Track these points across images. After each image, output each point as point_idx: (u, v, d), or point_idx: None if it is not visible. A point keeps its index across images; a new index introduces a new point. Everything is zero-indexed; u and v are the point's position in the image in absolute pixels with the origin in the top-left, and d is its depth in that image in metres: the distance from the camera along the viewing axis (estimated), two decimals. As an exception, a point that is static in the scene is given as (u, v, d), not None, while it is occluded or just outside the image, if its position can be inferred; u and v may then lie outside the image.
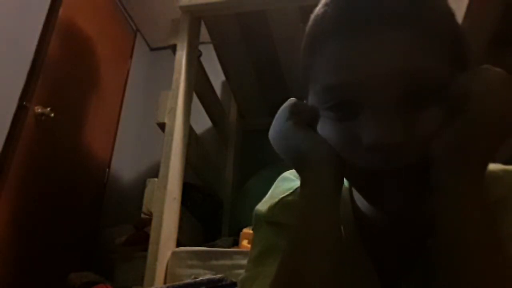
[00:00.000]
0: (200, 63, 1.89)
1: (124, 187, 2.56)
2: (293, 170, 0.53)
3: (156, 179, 1.47)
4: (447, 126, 0.37)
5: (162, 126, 1.54)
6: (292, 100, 0.47)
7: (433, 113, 0.38)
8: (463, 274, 0.35)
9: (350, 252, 0.47)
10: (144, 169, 2.55)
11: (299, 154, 0.43)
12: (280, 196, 0.53)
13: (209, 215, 2.15)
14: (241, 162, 2.49)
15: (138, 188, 1.99)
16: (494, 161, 0.40)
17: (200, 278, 1.24)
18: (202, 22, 1.82)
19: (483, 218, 0.36)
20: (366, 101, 0.38)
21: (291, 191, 0.52)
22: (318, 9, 0.44)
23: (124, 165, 2.57)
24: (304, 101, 0.48)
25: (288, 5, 1.68)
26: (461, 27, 0.43)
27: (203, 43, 1.87)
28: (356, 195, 0.50)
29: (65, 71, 2.00)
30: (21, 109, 1.70)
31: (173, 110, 1.54)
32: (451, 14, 0.42)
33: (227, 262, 1.34)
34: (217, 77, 2.36)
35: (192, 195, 2.02)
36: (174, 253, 1.41)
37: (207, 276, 1.26)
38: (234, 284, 1.17)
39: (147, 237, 1.41)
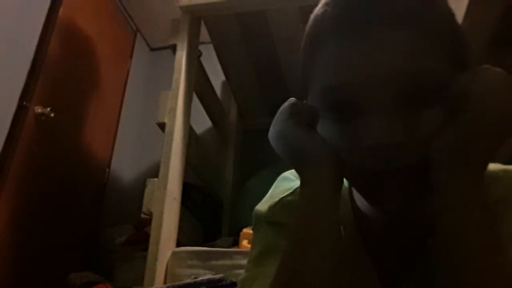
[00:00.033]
0: (200, 63, 1.89)
1: (124, 187, 2.56)
2: (293, 170, 0.53)
3: (156, 179, 1.47)
4: (447, 126, 0.37)
5: (162, 126, 1.54)
6: (292, 100, 0.47)
7: (433, 113, 0.38)
8: (463, 274, 0.35)
9: (350, 252, 0.47)
10: (144, 169, 2.55)
11: (299, 154, 0.43)
12: (280, 196, 0.53)
13: (209, 215, 2.14)
14: (241, 162, 2.49)
15: (138, 188, 1.98)
16: (494, 161, 0.40)
17: (200, 278, 1.24)
18: (202, 22, 1.82)
19: (483, 218, 0.36)
20: (366, 101, 0.39)
21: (291, 191, 0.52)
22: (318, 9, 0.44)
23: (124, 165, 2.57)
24: (304, 101, 0.48)
25: (288, 5, 1.68)
26: (461, 27, 0.43)
27: (203, 43, 1.87)
28: (356, 195, 0.50)
29: (65, 71, 2.00)
30: (21, 109, 1.70)
31: (173, 110, 1.54)
32: (451, 14, 0.42)
33: (227, 262, 1.34)
34: (217, 77, 2.36)
35: (192, 195, 2.02)
36: (174, 253, 1.41)
37: (207, 276, 1.26)
38: (234, 284, 1.17)
39: (147, 237, 1.41)
